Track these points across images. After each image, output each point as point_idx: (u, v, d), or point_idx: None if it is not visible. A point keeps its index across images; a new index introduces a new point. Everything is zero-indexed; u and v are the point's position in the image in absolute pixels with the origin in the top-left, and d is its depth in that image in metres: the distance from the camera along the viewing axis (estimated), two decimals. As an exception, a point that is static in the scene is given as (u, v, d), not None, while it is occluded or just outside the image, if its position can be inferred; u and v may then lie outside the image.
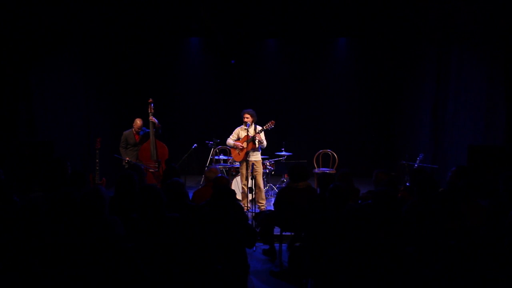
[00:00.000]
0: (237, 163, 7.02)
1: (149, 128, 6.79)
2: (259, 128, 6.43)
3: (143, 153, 6.68)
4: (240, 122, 6.58)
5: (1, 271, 2.72)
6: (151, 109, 6.71)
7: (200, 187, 7.10)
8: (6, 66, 5.93)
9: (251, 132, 6.38)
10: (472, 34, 6.36)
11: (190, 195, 4.82)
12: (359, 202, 4.59)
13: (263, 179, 6.84)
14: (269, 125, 6.38)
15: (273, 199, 6.55)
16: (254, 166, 6.33)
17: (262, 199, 6.52)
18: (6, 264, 2.74)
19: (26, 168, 5.67)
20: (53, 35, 6.70)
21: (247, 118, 6.40)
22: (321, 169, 8.03)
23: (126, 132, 6.90)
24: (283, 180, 8.15)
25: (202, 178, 8.11)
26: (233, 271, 3.24)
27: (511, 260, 2.63)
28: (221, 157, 7.90)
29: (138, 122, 6.92)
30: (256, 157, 6.50)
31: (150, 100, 6.75)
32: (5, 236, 2.91)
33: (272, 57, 10.08)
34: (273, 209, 5.04)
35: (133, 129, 6.91)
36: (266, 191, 7.44)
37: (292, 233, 4.88)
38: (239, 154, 6.53)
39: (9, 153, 5.79)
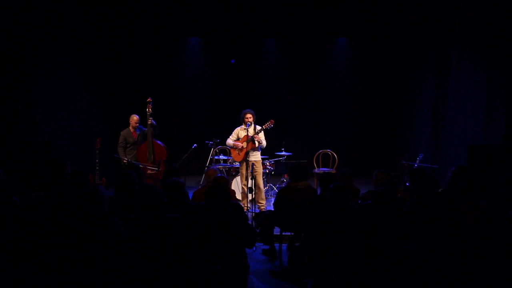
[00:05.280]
0: (237, 163, 7.02)
1: (145, 126, 6.76)
2: (258, 127, 6.43)
3: (141, 154, 6.66)
4: (239, 122, 6.57)
5: (1, 271, 2.72)
6: (149, 108, 6.68)
7: (200, 187, 7.10)
8: (6, 66, 5.93)
9: (251, 132, 6.38)
10: (472, 34, 6.36)
11: (190, 195, 4.83)
12: (359, 202, 4.59)
13: (263, 179, 6.84)
14: (268, 124, 6.38)
15: (273, 199, 6.55)
16: (254, 166, 6.33)
17: (262, 199, 6.52)
18: (6, 264, 2.74)
19: (26, 168, 5.67)
20: (53, 35, 6.70)
21: (249, 118, 6.39)
22: (321, 169, 8.03)
23: (123, 132, 6.86)
24: (283, 180, 8.15)
25: (202, 178, 8.11)
26: (233, 271, 3.24)
27: (510, 260, 2.63)
28: (221, 157, 7.90)
29: (135, 117, 6.86)
30: (256, 157, 6.50)
31: (149, 99, 6.71)
32: (5, 236, 2.91)
33: (272, 57, 10.07)
34: (273, 209, 5.04)
35: (130, 126, 6.86)
36: (266, 191, 7.44)
37: (292, 233, 4.89)
38: (239, 154, 6.53)
39: (9, 153, 5.79)
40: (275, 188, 7.86)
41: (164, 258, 2.98)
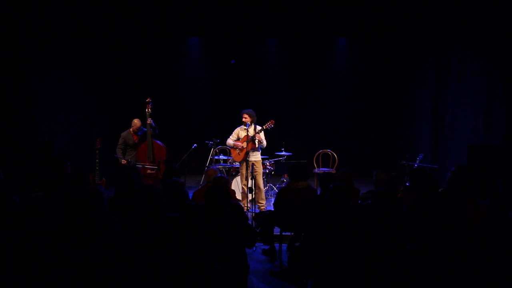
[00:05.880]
0: (237, 163, 7.02)
1: (145, 127, 6.76)
2: (258, 128, 6.43)
3: (141, 154, 6.66)
4: (240, 122, 6.58)
5: (1, 271, 2.72)
6: (149, 108, 6.67)
7: (200, 187, 7.10)
8: (6, 66, 5.93)
9: (251, 132, 6.38)
10: (472, 34, 6.36)
11: (190, 195, 4.83)
12: (359, 202, 4.59)
13: (263, 179, 6.84)
14: (269, 124, 6.38)
15: (273, 199, 6.55)
16: (254, 166, 6.33)
17: (262, 199, 6.52)
18: (6, 264, 2.74)
19: (26, 168, 5.67)
20: (53, 35, 6.70)
21: (245, 118, 6.43)
22: (321, 169, 8.03)
23: (124, 134, 6.86)
24: (283, 180, 8.15)
25: (202, 178, 8.11)
26: (233, 271, 3.24)
27: (511, 260, 2.63)
28: (221, 157, 7.90)
29: (137, 123, 6.88)
30: (256, 157, 6.50)
31: (148, 99, 6.71)
32: (5, 236, 2.91)
33: (272, 57, 10.07)
34: (273, 209, 5.04)
35: (131, 130, 6.87)
36: (266, 191, 7.44)
37: (292, 233, 4.89)
38: (239, 154, 6.53)
39: (9, 153, 5.79)
40: (275, 188, 7.85)
41: (164, 258, 2.98)
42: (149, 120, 6.63)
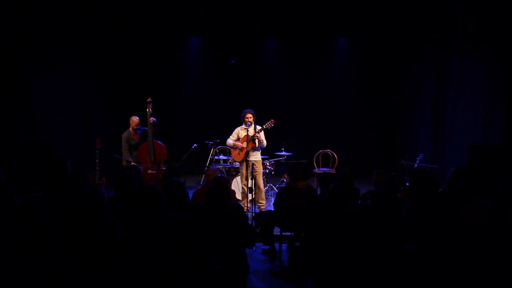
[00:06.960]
0: (237, 163, 7.02)
1: (145, 126, 6.74)
2: (258, 127, 6.43)
3: (141, 154, 6.64)
4: (240, 122, 6.57)
5: (1, 270, 2.72)
6: (150, 108, 6.66)
7: (200, 187, 7.10)
8: (6, 66, 5.93)
9: (251, 131, 6.38)
10: (472, 34, 6.36)
11: (190, 195, 4.83)
12: (359, 202, 4.59)
13: (263, 179, 6.84)
14: (269, 124, 6.38)
15: (273, 199, 6.55)
16: (254, 166, 6.33)
17: (262, 199, 6.52)
18: (6, 264, 2.75)
19: (26, 168, 5.67)
20: (53, 35, 6.70)
21: (249, 117, 6.38)
22: (321, 169, 8.03)
23: (124, 135, 6.79)
24: (283, 180, 8.15)
25: (202, 178, 8.11)
26: (233, 271, 3.24)
27: (511, 260, 2.63)
28: (221, 157, 7.90)
29: (136, 119, 6.83)
30: (256, 157, 6.50)
31: (149, 99, 6.70)
32: (5, 236, 2.91)
33: (272, 57, 10.08)
34: (273, 209, 5.04)
35: (131, 128, 6.84)
36: (266, 191, 7.44)
37: (292, 233, 4.89)
38: (239, 154, 6.53)
39: (9, 153, 5.79)
40: (275, 188, 7.86)
41: (164, 258, 2.98)
42: (152, 120, 6.60)
